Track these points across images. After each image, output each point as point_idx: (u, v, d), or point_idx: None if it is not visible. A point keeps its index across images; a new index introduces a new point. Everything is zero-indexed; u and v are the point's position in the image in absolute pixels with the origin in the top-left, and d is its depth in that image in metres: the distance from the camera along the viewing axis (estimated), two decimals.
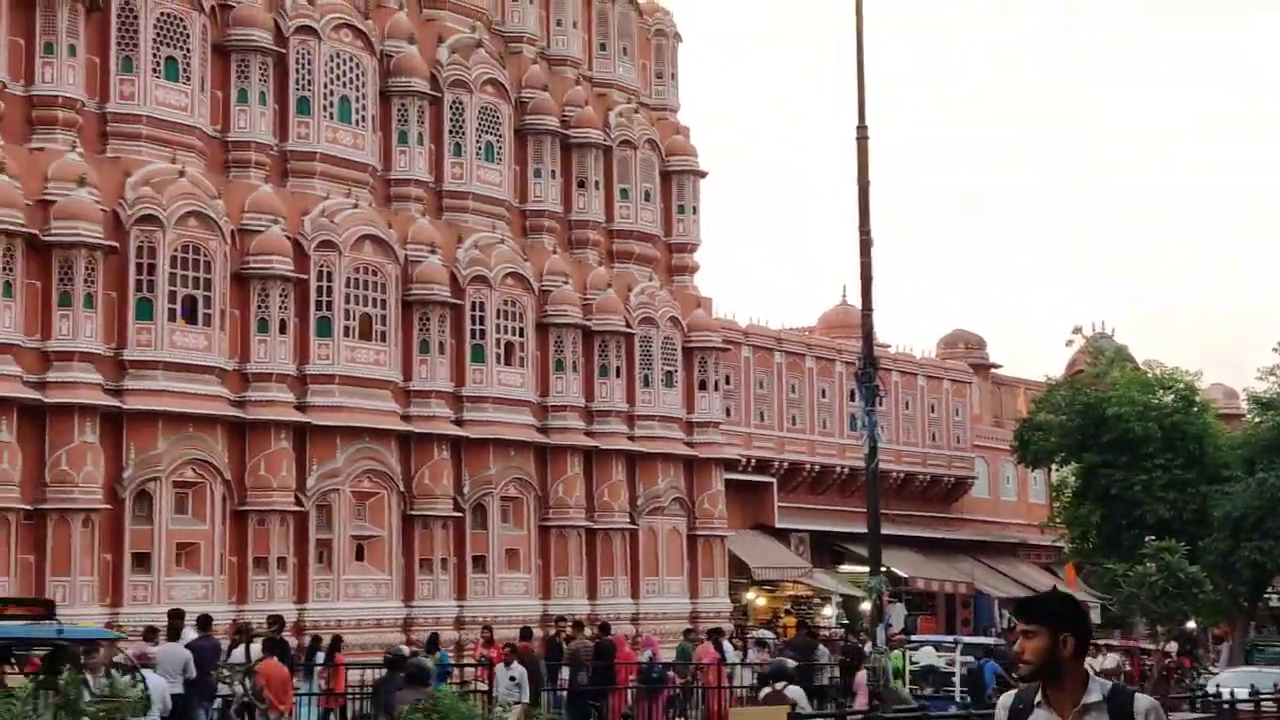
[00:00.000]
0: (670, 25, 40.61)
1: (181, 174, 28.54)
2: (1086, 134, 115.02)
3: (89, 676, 16.38)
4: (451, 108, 34.00)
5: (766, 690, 18.80)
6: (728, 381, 43.38)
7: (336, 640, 26.07)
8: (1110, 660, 34.99)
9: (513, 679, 22.97)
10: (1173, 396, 48.98)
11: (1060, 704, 5.54)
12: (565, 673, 27.92)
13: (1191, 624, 43.80)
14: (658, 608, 36.65)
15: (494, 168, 34.79)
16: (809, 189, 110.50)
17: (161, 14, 28.93)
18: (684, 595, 37.70)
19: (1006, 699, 5.73)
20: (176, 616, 22.14)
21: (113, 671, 17.56)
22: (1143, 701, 5.54)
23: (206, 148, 29.81)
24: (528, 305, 34.59)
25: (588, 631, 30.07)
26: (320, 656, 25.54)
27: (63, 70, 27.77)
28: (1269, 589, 48.55)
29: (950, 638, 35.96)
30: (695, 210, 39.71)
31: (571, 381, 35.50)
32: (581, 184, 36.92)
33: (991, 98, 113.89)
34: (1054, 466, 54.01)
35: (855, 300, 36.93)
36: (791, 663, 22.91)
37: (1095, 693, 5.52)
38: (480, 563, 33.35)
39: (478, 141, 34.41)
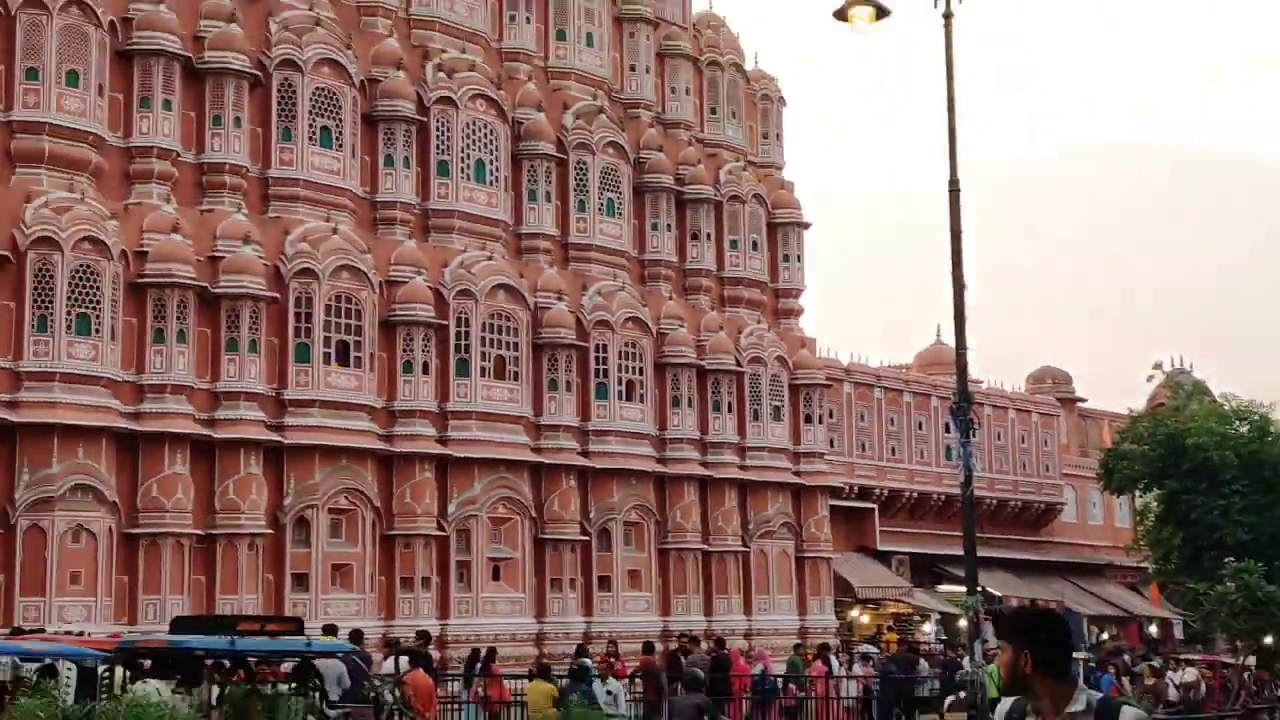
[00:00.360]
0: (775, 90, 40.76)
1: (335, 232, 29.26)
2: (1130, 75, 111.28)
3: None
4: (576, 168, 34.50)
5: (951, 699, 18.87)
6: (831, 415, 43.44)
7: (492, 652, 26.62)
8: (1189, 674, 34.53)
9: (610, 694, 22.99)
10: (1248, 427, 48.42)
11: (1047, 714, 5.30)
12: None
13: (1269, 639, 43.10)
14: (768, 624, 36.70)
15: (615, 222, 35.25)
16: (906, 231, 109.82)
17: (316, 88, 29.76)
18: (793, 612, 37.70)
19: (1004, 706, 5.49)
20: (330, 631, 22.69)
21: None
22: (1129, 713, 5.25)
23: (357, 208, 30.51)
24: (646, 347, 34.98)
25: (704, 646, 30.26)
26: (477, 668, 26.21)
27: (229, 140, 28.58)
28: None
29: None
30: (800, 258, 39.84)
31: (687, 416, 35.82)
32: (694, 236, 37.23)
33: (1035, 38, 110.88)
34: (1137, 493, 53.41)
35: (949, 339, 37.08)
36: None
37: (1080, 703, 5.27)
38: (605, 582, 33.64)
39: (600, 198, 34.86)
